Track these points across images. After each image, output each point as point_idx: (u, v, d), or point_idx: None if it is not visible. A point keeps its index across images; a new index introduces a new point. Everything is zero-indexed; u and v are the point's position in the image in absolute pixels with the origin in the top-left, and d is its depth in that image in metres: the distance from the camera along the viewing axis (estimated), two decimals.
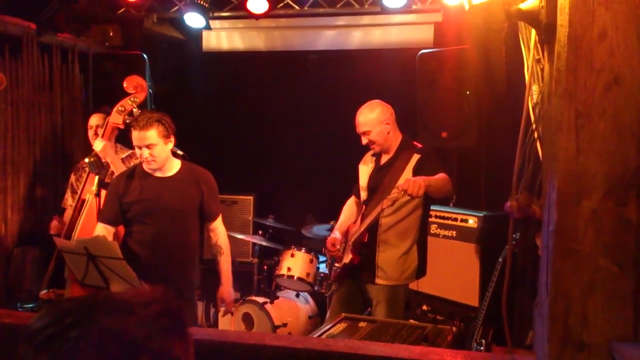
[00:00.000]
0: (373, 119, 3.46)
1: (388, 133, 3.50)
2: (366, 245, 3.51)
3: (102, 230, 3.26)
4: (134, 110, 3.69)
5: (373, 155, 3.66)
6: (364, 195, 3.66)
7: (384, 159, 3.59)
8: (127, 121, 3.65)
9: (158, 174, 3.31)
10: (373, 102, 3.54)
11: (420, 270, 3.59)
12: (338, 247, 3.62)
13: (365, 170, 3.68)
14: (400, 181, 3.30)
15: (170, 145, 3.26)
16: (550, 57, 1.68)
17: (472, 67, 4.42)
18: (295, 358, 1.96)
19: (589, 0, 1.51)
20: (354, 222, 3.73)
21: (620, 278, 1.53)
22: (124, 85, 3.79)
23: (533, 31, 1.78)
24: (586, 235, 1.53)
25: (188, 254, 3.39)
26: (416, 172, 3.37)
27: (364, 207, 3.65)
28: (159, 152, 3.20)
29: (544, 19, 1.62)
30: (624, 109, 1.51)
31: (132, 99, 3.74)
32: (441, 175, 3.30)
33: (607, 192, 1.53)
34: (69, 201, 4.19)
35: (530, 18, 1.67)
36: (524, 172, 1.81)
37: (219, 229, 3.47)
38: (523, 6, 1.68)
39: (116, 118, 3.71)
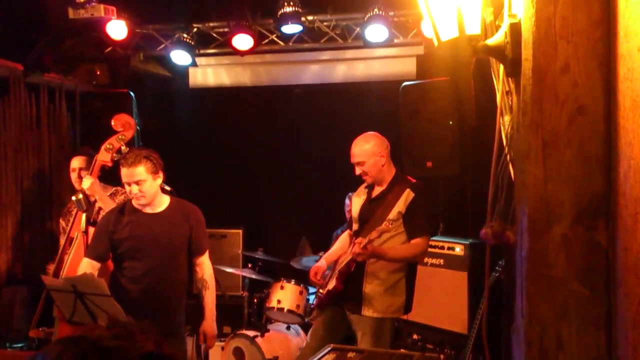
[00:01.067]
0: (368, 150, 3.51)
1: (382, 165, 3.54)
2: (353, 275, 3.53)
3: (88, 265, 3.25)
4: (122, 147, 3.73)
5: (366, 187, 3.71)
6: (355, 226, 3.68)
7: (377, 191, 3.62)
8: (115, 159, 3.69)
9: (148, 210, 3.34)
10: (369, 134, 3.59)
11: (408, 306, 3.58)
12: (320, 276, 3.65)
13: (357, 201, 3.72)
14: (392, 215, 3.38)
15: (159, 180, 3.30)
16: (517, 89, 1.74)
17: (449, 99, 4.53)
18: None
19: (551, 34, 1.58)
20: (345, 252, 3.76)
21: (593, 301, 1.56)
22: (112, 123, 3.84)
23: (502, 65, 1.85)
24: (557, 260, 1.56)
25: (177, 289, 3.41)
26: (407, 212, 3.43)
27: (354, 238, 3.68)
28: (148, 188, 3.24)
29: (509, 54, 1.69)
30: (589, 138, 1.57)
31: (120, 136, 3.79)
32: (409, 245, 3.44)
33: (576, 218, 1.57)
34: None
35: (497, 53, 1.74)
36: (498, 199, 1.85)
37: (205, 264, 3.49)
38: (490, 42, 1.75)
39: (104, 156, 3.74)
